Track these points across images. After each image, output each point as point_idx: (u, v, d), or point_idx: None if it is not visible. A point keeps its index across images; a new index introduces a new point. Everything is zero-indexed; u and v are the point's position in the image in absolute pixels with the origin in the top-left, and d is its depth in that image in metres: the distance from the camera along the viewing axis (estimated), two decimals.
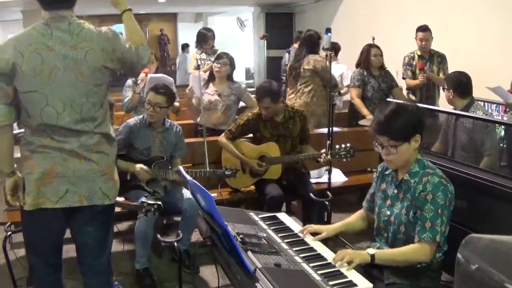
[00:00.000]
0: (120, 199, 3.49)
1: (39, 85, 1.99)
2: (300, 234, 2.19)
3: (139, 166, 3.26)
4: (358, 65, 4.78)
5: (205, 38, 5.50)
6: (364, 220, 2.37)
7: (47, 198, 2.05)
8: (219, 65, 4.27)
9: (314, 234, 2.20)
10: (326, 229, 2.22)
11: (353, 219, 2.38)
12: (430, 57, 4.87)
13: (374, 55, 4.67)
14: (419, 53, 4.86)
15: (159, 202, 2.55)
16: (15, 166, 2.17)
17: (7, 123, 2.06)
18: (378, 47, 4.75)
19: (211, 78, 4.38)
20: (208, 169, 3.65)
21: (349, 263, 1.89)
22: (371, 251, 1.97)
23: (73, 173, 2.05)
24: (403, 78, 4.99)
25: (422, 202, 2.01)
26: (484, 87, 3.80)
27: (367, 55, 4.69)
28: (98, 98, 2.10)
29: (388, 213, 2.16)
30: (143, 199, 2.51)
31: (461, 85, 3.42)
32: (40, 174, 2.04)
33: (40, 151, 2.04)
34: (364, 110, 4.58)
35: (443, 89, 3.58)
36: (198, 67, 4.16)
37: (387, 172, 2.24)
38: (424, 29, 4.77)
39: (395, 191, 2.15)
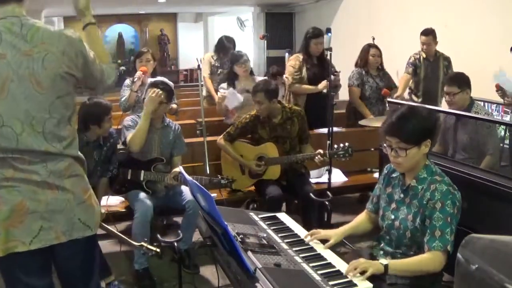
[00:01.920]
0: (120, 199, 3.50)
1: None
2: (306, 240, 2.14)
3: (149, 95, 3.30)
4: (356, 64, 4.79)
5: (224, 50, 5.51)
6: (368, 223, 2.34)
7: (18, 240, 1.74)
8: (243, 65, 4.38)
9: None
10: (334, 235, 2.17)
11: (358, 222, 2.35)
12: (435, 60, 4.89)
13: (373, 55, 4.67)
14: (424, 55, 4.89)
15: (158, 250, 2.53)
16: None
17: None
18: (377, 48, 4.76)
19: (234, 77, 4.43)
20: (208, 169, 3.65)
21: (362, 273, 1.85)
22: (384, 261, 1.94)
23: (45, 206, 1.75)
24: (406, 73, 5.01)
25: (431, 211, 1.98)
26: (485, 84, 3.81)
27: (366, 54, 4.70)
28: (63, 113, 1.78)
29: (392, 217, 2.14)
30: (143, 242, 2.50)
31: (469, 81, 3.41)
32: (7, 212, 1.72)
33: (4, 185, 1.72)
34: (366, 111, 4.58)
35: (452, 94, 3.49)
36: (198, 67, 4.18)
37: (394, 175, 2.21)
38: (426, 33, 4.79)
39: (402, 195, 2.13)
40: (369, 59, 4.68)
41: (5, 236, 1.74)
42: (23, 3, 1.76)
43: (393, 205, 2.17)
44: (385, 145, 2.08)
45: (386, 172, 2.28)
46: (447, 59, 4.93)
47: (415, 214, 2.05)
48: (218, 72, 5.48)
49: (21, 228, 1.74)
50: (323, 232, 2.19)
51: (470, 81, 3.42)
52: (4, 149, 1.71)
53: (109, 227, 2.71)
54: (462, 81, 3.41)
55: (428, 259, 1.97)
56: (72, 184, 1.81)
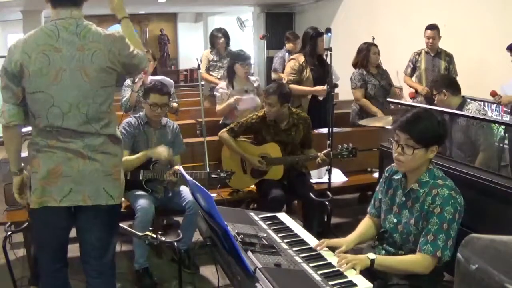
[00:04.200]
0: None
1: (46, 86, 2.02)
2: (317, 249, 2.06)
3: (160, 149, 3.25)
4: (355, 65, 4.78)
5: (215, 40, 5.59)
6: (374, 227, 2.31)
7: (51, 196, 2.08)
8: (246, 66, 4.34)
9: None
10: (345, 242, 2.13)
11: (365, 229, 2.31)
12: (436, 55, 5.05)
13: (374, 52, 4.69)
14: (426, 49, 5.05)
15: (163, 238, 2.55)
16: (22, 165, 2.23)
17: (16, 123, 2.10)
18: (376, 45, 4.78)
19: (232, 76, 4.40)
20: (208, 169, 3.64)
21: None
22: (371, 255, 1.94)
23: (77, 172, 2.08)
24: (404, 73, 5.19)
25: (430, 214, 1.99)
26: (487, 87, 3.82)
27: (367, 53, 4.69)
28: (104, 99, 2.12)
29: (395, 220, 2.14)
30: (148, 232, 2.52)
31: (452, 83, 3.47)
32: (45, 173, 2.07)
33: (45, 150, 2.07)
34: (373, 108, 4.57)
35: (433, 95, 3.59)
36: (198, 67, 4.19)
37: (395, 177, 2.20)
38: (431, 27, 5.00)
39: (403, 198, 2.13)
40: (370, 57, 4.68)
41: (41, 192, 2.08)
42: (81, 6, 2.09)
43: (395, 209, 2.16)
44: (392, 140, 2.07)
45: (387, 174, 2.26)
46: (449, 55, 5.07)
47: (417, 218, 2.05)
48: (217, 65, 5.51)
49: (54, 187, 2.08)
50: (333, 241, 2.13)
51: (451, 82, 3.49)
52: (52, 125, 2.05)
53: None
54: (438, 84, 3.51)
55: (416, 261, 1.97)
56: (103, 158, 2.12)
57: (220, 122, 4.46)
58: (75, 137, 2.07)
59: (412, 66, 5.15)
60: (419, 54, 5.12)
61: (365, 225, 2.33)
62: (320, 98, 4.59)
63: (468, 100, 3.51)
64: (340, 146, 3.40)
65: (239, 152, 3.63)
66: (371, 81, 4.67)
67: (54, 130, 2.06)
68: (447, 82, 3.49)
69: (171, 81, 4.18)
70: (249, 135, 3.74)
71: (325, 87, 4.31)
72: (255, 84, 4.47)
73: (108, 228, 2.23)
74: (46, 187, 2.08)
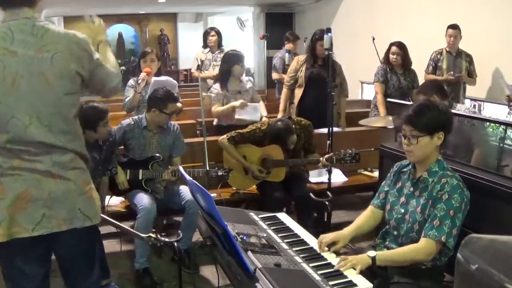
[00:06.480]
0: (120, 198, 3.50)
1: (2, 95, 1.76)
2: (320, 250, 2.04)
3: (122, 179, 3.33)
4: (383, 59, 4.83)
5: (205, 37, 5.61)
6: (372, 220, 2.32)
7: (21, 226, 1.81)
8: (244, 66, 4.34)
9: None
10: (342, 237, 2.14)
11: (363, 222, 2.31)
12: (458, 55, 5.05)
13: (392, 53, 4.70)
14: (447, 49, 5.05)
15: (167, 240, 2.54)
16: None
17: None
18: (399, 46, 4.71)
19: (228, 77, 4.34)
20: (208, 169, 3.64)
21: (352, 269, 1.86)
22: (371, 253, 1.95)
23: (48, 195, 1.82)
24: (425, 72, 5.16)
25: (437, 200, 2.02)
26: (486, 83, 3.80)
27: (387, 52, 4.73)
28: (69, 109, 1.86)
29: (402, 210, 2.16)
30: (151, 233, 2.51)
31: (441, 88, 3.48)
32: (12, 200, 1.80)
33: (10, 173, 1.80)
34: (381, 109, 4.58)
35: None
36: (198, 67, 4.17)
37: (404, 170, 2.24)
38: (453, 27, 4.99)
39: (411, 188, 2.16)
40: (390, 58, 4.70)
41: (9, 222, 1.80)
42: (35, 7, 1.86)
43: (403, 199, 2.18)
44: (400, 134, 2.14)
45: (396, 169, 2.31)
46: (469, 56, 5.09)
47: (424, 206, 2.07)
48: (212, 63, 5.50)
49: (24, 215, 1.81)
50: (332, 236, 2.12)
51: (440, 88, 3.47)
52: (13, 140, 1.79)
53: (116, 222, 2.68)
54: (428, 89, 3.49)
55: (419, 248, 1.99)
56: (75, 176, 1.88)
57: (215, 123, 4.44)
58: (40, 154, 1.81)
59: (433, 65, 5.13)
60: (440, 53, 5.09)
61: (364, 217, 2.34)
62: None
63: (455, 104, 3.54)
64: (343, 151, 3.40)
65: (240, 160, 3.64)
66: (391, 80, 4.68)
67: (15, 148, 1.79)
68: (436, 87, 3.51)
69: (175, 82, 4.16)
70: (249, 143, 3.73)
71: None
72: (248, 85, 4.43)
73: (90, 249, 2.03)
74: (15, 216, 1.80)
